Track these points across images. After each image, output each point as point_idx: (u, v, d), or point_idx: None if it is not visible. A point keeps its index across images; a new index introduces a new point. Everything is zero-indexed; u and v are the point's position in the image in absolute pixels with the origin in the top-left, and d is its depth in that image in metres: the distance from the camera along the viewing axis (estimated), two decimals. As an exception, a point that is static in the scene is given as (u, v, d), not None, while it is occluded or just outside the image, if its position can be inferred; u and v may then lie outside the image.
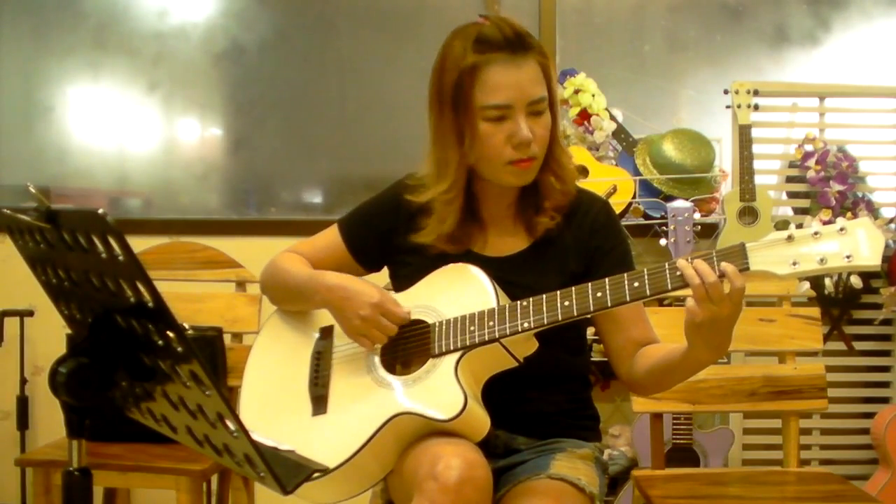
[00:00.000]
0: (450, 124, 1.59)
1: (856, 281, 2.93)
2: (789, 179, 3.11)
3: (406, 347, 1.63)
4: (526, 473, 1.57)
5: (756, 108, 2.97)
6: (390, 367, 1.63)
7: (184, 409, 1.03)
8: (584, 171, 2.85)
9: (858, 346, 3.08)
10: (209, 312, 2.50)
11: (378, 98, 3.32)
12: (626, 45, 3.32)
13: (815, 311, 2.26)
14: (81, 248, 0.99)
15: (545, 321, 1.51)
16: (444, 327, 1.58)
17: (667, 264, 1.44)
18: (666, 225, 2.69)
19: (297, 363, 1.72)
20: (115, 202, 3.37)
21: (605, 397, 3.05)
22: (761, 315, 2.24)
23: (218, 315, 2.49)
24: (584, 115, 2.97)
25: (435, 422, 1.47)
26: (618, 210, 2.75)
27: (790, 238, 1.37)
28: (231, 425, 0.97)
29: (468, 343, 1.54)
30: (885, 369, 3.11)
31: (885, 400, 3.07)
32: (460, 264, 1.65)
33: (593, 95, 2.96)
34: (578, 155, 2.89)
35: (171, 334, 0.96)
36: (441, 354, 1.56)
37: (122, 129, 3.33)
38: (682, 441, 2.75)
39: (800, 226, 1.39)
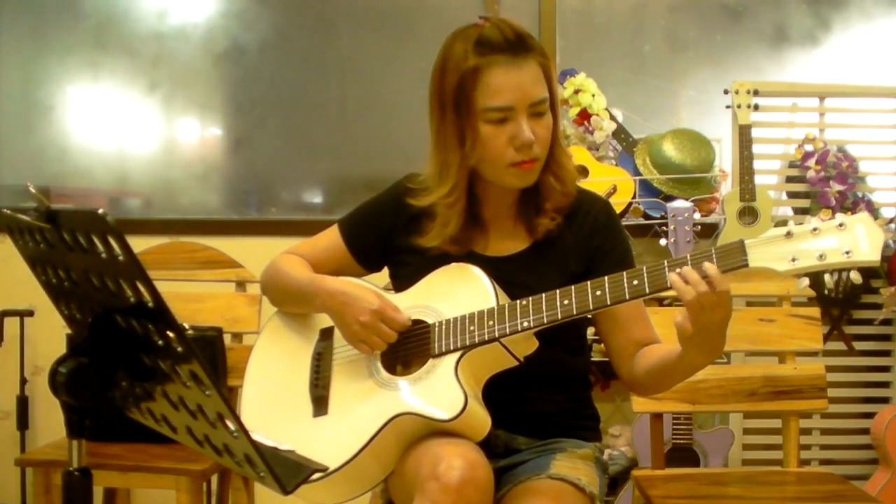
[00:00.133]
0: (451, 127, 1.59)
1: (855, 276, 2.92)
2: (789, 179, 3.11)
3: (406, 348, 1.63)
4: (526, 473, 1.57)
5: (756, 108, 2.97)
6: (390, 367, 1.63)
7: (184, 409, 1.03)
8: (584, 171, 2.85)
9: (858, 346, 3.08)
10: (209, 312, 2.50)
11: (378, 98, 3.32)
12: (626, 45, 3.32)
13: (815, 311, 2.26)
14: (81, 248, 0.99)
15: (545, 320, 1.51)
16: (444, 327, 1.58)
17: (666, 262, 1.44)
18: (666, 225, 2.69)
19: (298, 364, 1.72)
20: (115, 202, 3.37)
21: (605, 397, 3.05)
22: (761, 315, 2.24)
23: (218, 315, 2.49)
24: (584, 115, 2.97)
25: (436, 422, 1.47)
26: (618, 210, 2.75)
27: (789, 234, 1.37)
28: (231, 425, 0.97)
29: (468, 343, 1.54)
30: (885, 369, 3.10)
31: (885, 400, 3.07)
32: (460, 264, 1.65)
33: (593, 95, 2.96)
34: (578, 155, 2.89)
35: (171, 334, 0.96)
36: (441, 354, 1.56)
37: (122, 129, 3.33)
38: (682, 441, 2.75)
39: (799, 224, 1.39)
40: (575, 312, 1.50)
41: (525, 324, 1.52)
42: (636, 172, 2.95)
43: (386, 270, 1.81)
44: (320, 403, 1.64)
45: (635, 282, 1.45)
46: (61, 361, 1.04)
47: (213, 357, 2.32)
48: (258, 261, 1.89)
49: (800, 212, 3.06)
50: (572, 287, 1.51)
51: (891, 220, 3.00)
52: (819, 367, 2.20)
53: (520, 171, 1.59)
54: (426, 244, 1.67)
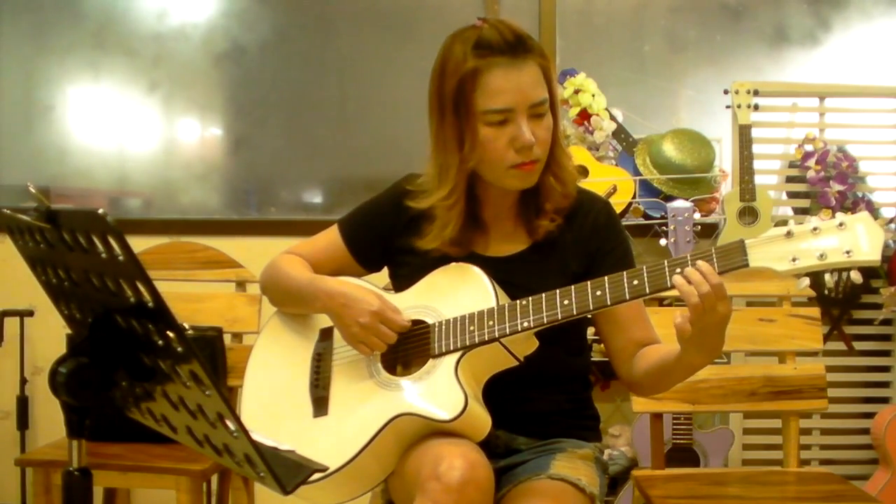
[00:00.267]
0: (450, 129, 1.59)
1: (856, 276, 2.91)
2: (789, 179, 3.11)
3: (406, 348, 1.63)
4: (526, 473, 1.57)
5: (756, 108, 2.97)
6: (390, 367, 1.63)
7: (184, 409, 1.03)
8: (584, 171, 2.85)
9: (858, 346, 3.08)
10: (209, 312, 2.50)
11: (378, 98, 3.32)
12: (626, 45, 3.32)
13: (815, 311, 2.26)
14: (81, 248, 0.99)
15: (545, 320, 1.51)
16: (443, 327, 1.58)
17: (666, 262, 1.44)
18: (666, 225, 2.69)
19: (298, 365, 1.72)
20: (115, 202, 3.37)
21: (605, 397, 3.05)
22: (761, 315, 2.24)
23: (218, 315, 2.49)
24: (584, 115, 2.97)
25: (436, 422, 1.47)
26: (618, 210, 2.75)
27: (789, 234, 1.37)
28: (231, 425, 0.97)
29: (468, 343, 1.54)
30: (885, 369, 3.10)
31: (885, 400, 3.07)
32: (460, 264, 1.65)
33: (593, 95, 2.96)
34: (578, 155, 2.89)
35: (171, 334, 0.96)
36: (441, 355, 1.56)
37: (122, 129, 3.33)
38: (682, 441, 2.75)
39: (799, 223, 1.39)
40: (575, 312, 1.50)
41: (525, 324, 1.52)
42: (636, 172, 2.95)
43: (386, 270, 1.81)
44: (320, 404, 1.64)
45: (635, 282, 1.45)
46: (61, 361, 1.04)
47: (213, 357, 2.32)
48: (258, 261, 1.89)
49: (800, 212, 3.06)
50: (572, 287, 1.51)
51: (891, 220, 3.00)
52: (819, 367, 2.20)
53: (520, 173, 1.59)
54: (425, 246, 1.67)
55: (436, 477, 1.38)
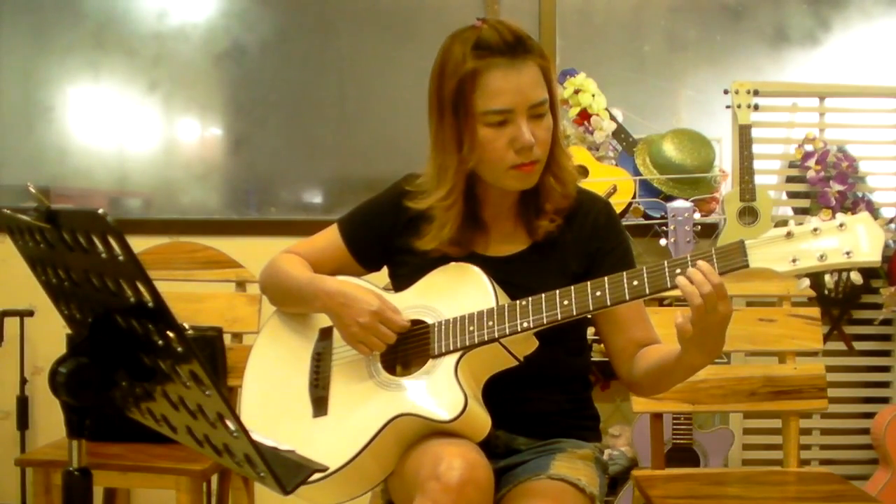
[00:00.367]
0: (449, 130, 1.59)
1: (856, 277, 2.93)
2: (789, 179, 3.11)
3: (405, 348, 1.63)
4: (526, 474, 1.57)
5: (756, 108, 2.97)
6: (390, 367, 1.63)
7: (184, 409, 1.03)
8: (584, 171, 2.85)
9: (858, 346, 3.08)
10: (209, 312, 2.50)
11: (378, 98, 3.32)
12: (626, 45, 3.32)
13: (815, 311, 2.26)
14: (81, 248, 0.99)
15: (545, 321, 1.51)
16: (443, 327, 1.58)
17: (666, 263, 1.44)
18: (666, 225, 2.69)
19: (297, 364, 1.72)
20: (115, 202, 3.37)
21: (605, 397, 3.05)
22: (761, 315, 2.24)
23: (218, 315, 2.49)
24: (584, 115, 2.97)
25: (436, 422, 1.47)
26: (618, 210, 2.75)
27: (789, 235, 1.37)
28: (231, 425, 0.97)
29: (468, 343, 1.54)
30: (885, 369, 3.10)
31: (885, 400, 3.07)
32: (460, 263, 1.65)
33: (593, 95, 2.96)
34: (578, 155, 2.89)
35: (171, 334, 0.96)
36: (441, 355, 1.56)
37: (122, 129, 3.33)
38: (682, 441, 2.75)
39: (799, 224, 1.39)
40: (575, 313, 1.50)
41: (525, 324, 1.52)
42: (636, 172, 2.95)
43: (385, 270, 1.81)
44: (320, 404, 1.64)
45: (635, 282, 1.45)
46: (61, 361, 1.04)
47: (213, 357, 2.32)
48: (258, 261, 1.89)
49: (800, 212, 3.06)
50: (572, 287, 1.51)
51: (891, 220, 3.00)
52: (819, 367, 2.20)
53: (520, 174, 1.59)
54: (424, 247, 1.67)
55: (435, 477, 1.38)
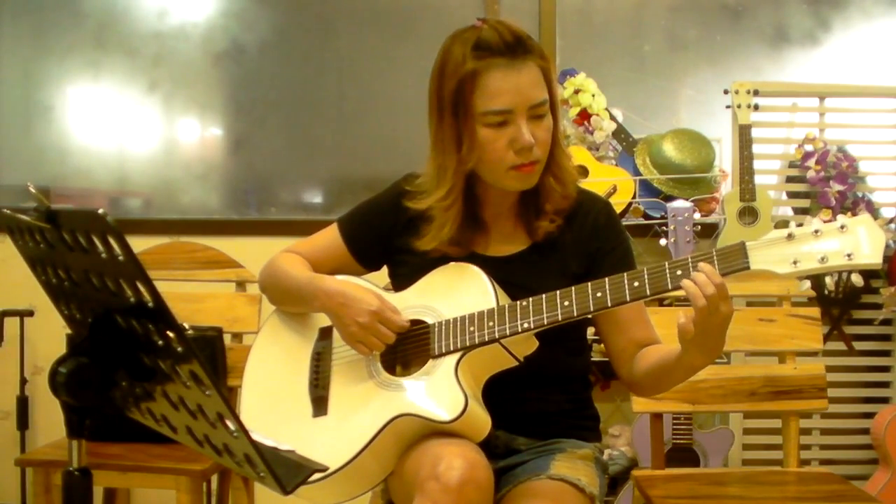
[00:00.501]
0: (449, 130, 1.59)
1: (857, 279, 2.93)
2: (789, 179, 3.11)
3: (406, 348, 1.63)
4: (526, 474, 1.57)
5: (756, 108, 2.97)
6: (390, 367, 1.63)
7: (184, 409, 1.03)
8: (584, 172, 2.85)
9: (858, 346, 3.08)
10: (209, 312, 2.50)
11: (378, 98, 3.32)
12: (626, 45, 3.32)
13: (815, 311, 2.26)
14: (81, 248, 0.99)
15: (545, 321, 1.51)
16: (443, 328, 1.58)
17: (667, 264, 1.44)
18: (666, 225, 2.69)
19: (297, 364, 1.72)
20: (115, 202, 3.37)
21: (605, 397, 3.05)
22: (761, 315, 2.24)
23: (218, 315, 2.49)
24: (584, 115, 2.97)
25: (436, 423, 1.47)
26: (618, 210, 2.75)
27: (790, 236, 1.37)
28: (231, 425, 0.97)
29: (468, 344, 1.54)
30: (885, 369, 3.10)
31: (885, 400, 3.07)
32: (460, 263, 1.65)
33: (593, 95, 2.96)
34: (578, 155, 2.89)
35: (171, 334, 0.96)
36: (441, 355, 1.56)
37: (122, 129, 3.33)
38: (682, 441, 2.75)
39: (800, 225, 1.39)
40: (575, 314, 1.50)
41: (525, 325, 1.51)
42: (636, 172, 2.95)
43: (385, 269, 1.81)
44: (320, 404, 1.64)
45: (636, 283, 1.45)
46: (61, 361, 1.04)
47: (213, 357, 2.32)
48: (258, 261, 1.89)
49: (800, 212, 3.06)
50: (572, 288, 1.51)
51: (891, 220, 3.00)
52: (819, 367, 2.20)
53: (520, 175, 1.59)
54: (423, 247, 1.67)
55: (435, 477, 1.38)
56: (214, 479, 2.48)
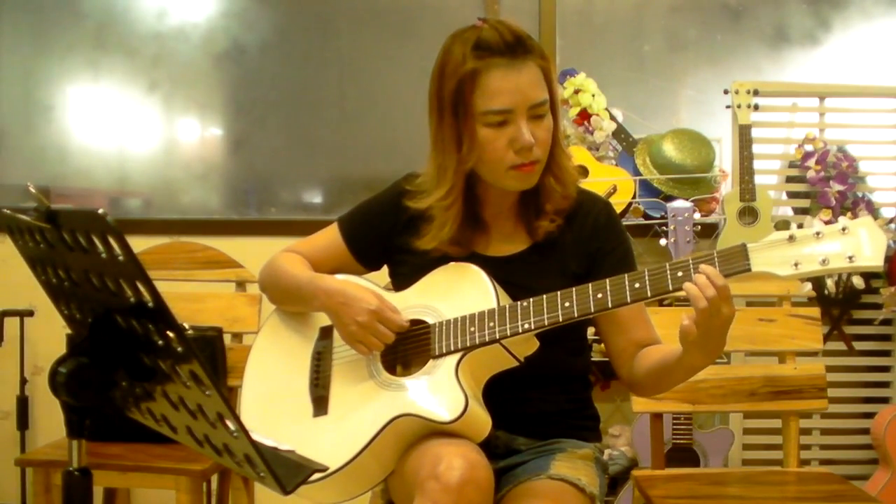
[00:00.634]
0: (449, 130, 1.59)
1: (858, 282, 2.93)
2: (789, 179, 3.11)
3: (406, 348, 1.63)
4: (526, 474, 1.57)
5: (756, 108, 2.96)
6: (390, 367, 1.63)
7: (184, 409, 1.03)
8: (584, 171, 2.85)
9: (858, 346, 3.08)
10: (209, 312, 2.50)
11: (378, 98, 3.32)
12: (626, 45, 3.32)
13: (815, 311, 2.26)
14: (81, 248, 0.99)
15: (546, 322, 1.51)
16: (444, 328, 1.58)
17: (668, 265, 1.44)
18: (666, 225, 2.69)
19: (298, 363, 1.72)
20: (115, 202, 3.37)
21: (605, 397, 3.05)
22: (761, 315, 2.24)
23: (218, 315, 2.49)
24: (584, 115, 2.97)
25: (436, 423, 1.47)
26: (618, 210, 2.75)
27: (792, 238, 1.37)
28: (231, 425, 0.97)
29: (468, 344, 1.54)
30: (885, 369, 3.10)
31: (885, 400, 3.07)
32: (461, 263, 1.65)
33: (593, 95, 2.96)
34: (578, 155, 2.89)
35: (171, 334, 0.96)
36: (441, 355, 1.56)
37: (122, 129, 3.33)
38: (682, 441, 2.75)
39: (800, 226, 1.39)
40: (576, 315, 1.50)
41: (526, 325, 1.51)
42: (636, 172, 2.95)
43: (386, 269, 1.81)
44: (320, 403, 1.64)
45: (637, 285, 1.45)
46: (61, 361, 1.04)
47: (213, 357, 2.32)
48: (258, 261, 1.89)
49: (800, 212, 3.06)
50: (573, 289, 1.51)
51: (891, 220, 2.99)
52: (819, 367, 2.20)
53: (520, 174, 1.59)
54: (423, 246, 1.67)
55: (435, 477, 1.38)
56: (214, 479, 2.48)
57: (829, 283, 2.93)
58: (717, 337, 1.42)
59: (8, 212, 1.12)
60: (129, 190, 3.38)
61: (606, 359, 1.73)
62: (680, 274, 1.42)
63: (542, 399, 1.67)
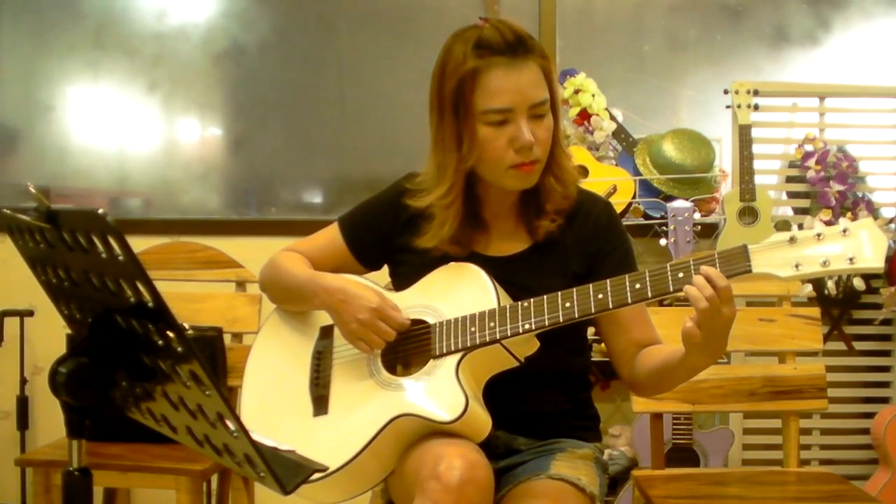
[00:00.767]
0: (449, 129, 1.59)
1: (858, 283, 2.93)
2: (789, 179, 3.11)
3: (406, 348, 1.63)
4: (526, 474, 1.57)
5: (756, 108, 2.96)
6: (391, 367, 1.63)
7: (184, 409, 1.03)
8: (584, 171, 2.85)
9: (858, 346, 3.08)
10: (209, 312, 2.50)
11: (378, 98, 3.32)
12: (626, 45, 3.32)
13: (816, 312, 2.26)
14: (81, 248, 0.99)
15: (546, 322, 1.51)
16: (444, 328, 1.58)
17: (668, 266, 1.44)
18: (666, 225, 2.69)
19: (298, 363, 1.72)
20: (115, 202, 3.37)
21: (605, 397, 3.05)
22: (761, 315, 2.24)
23: (218, 315, 2.49)
24: (584, 115, 2.97)
25: (437, 423, 1.47)
26: (618, 210, 2.75)
27: (793, 240, 1.37)
28: (231, 425, 0.97)
29: (469, 344, 1.54)
30: (885, 369, 3.11)
31: (885, 400, 3.07)
32: (461, 263, 1.65)
33: (593, 95, 2.96)
34: (578, 155, 2.89)
35: (171, 334, 0.96)
36: (442, 355, 1.55)
37: (122, 129, 3.33)
38: (682, 441, 2.75)
39: (801, 226, 1.39)
40: (577, 315, 1.50)
41: (526, 326, 1.51)
42: (636, 172, 2.95)
43: (386, 268, 1.81)
44: (320, 403, 1.64)
45: (637, 285, 1.45)
46: (61, 361, 1.04)
47: (213, 357, 2.32)
48: (258, 261, 1.89)
49: (800, 212, 3.06)
50: (574, 289, 1.51)
51: (891, 221, 2.99)
52: (819, 367, 2.20)
53: (520, 174, 1.59)
54: (423, 245, 1.67)
55: (435, 477, 1.38)
56: (214, 479, 2.48)
57: (830, 283, 2.93)
58: (718, 338, 1.42)
59: (8, 212, 1.12)
60: (129, 190, 3.38)
61: (606, 359, 1.73)
62: (681, 275, 1.42)
63: (543, 399, 1.67)
